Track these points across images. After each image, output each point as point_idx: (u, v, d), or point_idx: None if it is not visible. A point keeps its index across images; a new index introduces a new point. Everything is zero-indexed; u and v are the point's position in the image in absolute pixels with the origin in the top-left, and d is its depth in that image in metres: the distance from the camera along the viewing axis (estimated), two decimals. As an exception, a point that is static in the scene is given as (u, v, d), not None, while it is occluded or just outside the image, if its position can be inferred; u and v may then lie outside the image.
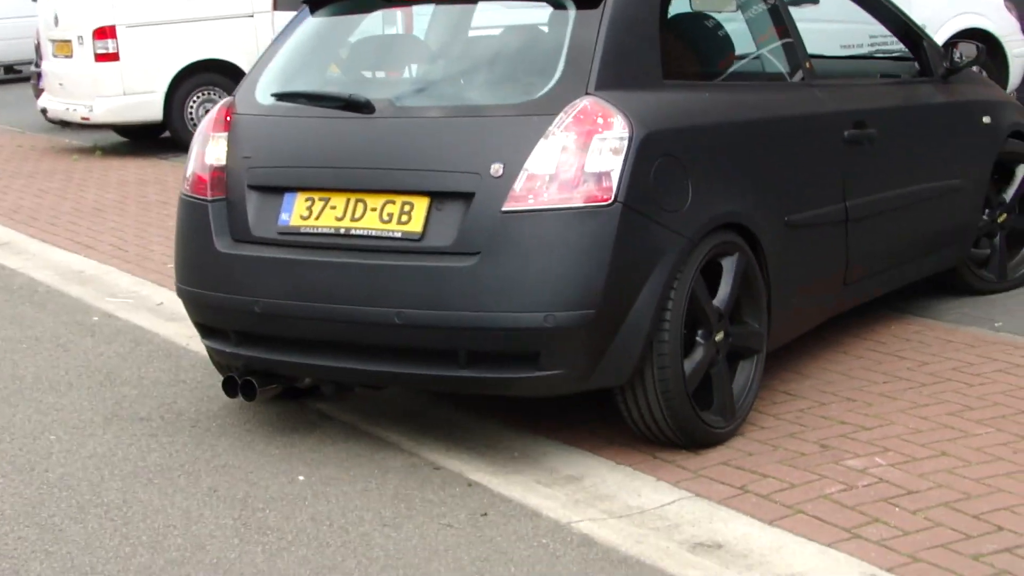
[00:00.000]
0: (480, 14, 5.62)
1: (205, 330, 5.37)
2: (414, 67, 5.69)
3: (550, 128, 4.70)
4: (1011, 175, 7.14)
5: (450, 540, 4.38)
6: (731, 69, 5.83)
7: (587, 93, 4.77)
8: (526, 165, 4.68)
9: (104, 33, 13.37)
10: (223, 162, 5.29)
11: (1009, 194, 7.08)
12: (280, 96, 5.36)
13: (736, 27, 6.01)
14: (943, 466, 4.78)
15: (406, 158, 4.92)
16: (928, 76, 6.69)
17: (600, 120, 4.71)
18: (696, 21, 6.02)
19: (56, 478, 4.96)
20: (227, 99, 5.56)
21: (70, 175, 12.59)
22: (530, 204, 4.65)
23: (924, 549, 4.15)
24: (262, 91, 5.45)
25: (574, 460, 4.99)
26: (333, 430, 5.41)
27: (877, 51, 7.43)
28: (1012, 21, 12.63)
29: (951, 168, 6.66)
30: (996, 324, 6.53)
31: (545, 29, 5.31)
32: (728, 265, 5.05)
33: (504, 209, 4.66)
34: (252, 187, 5.19)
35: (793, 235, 5.49)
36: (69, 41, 13.71)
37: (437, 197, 4.82)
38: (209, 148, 5.36)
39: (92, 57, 13.35)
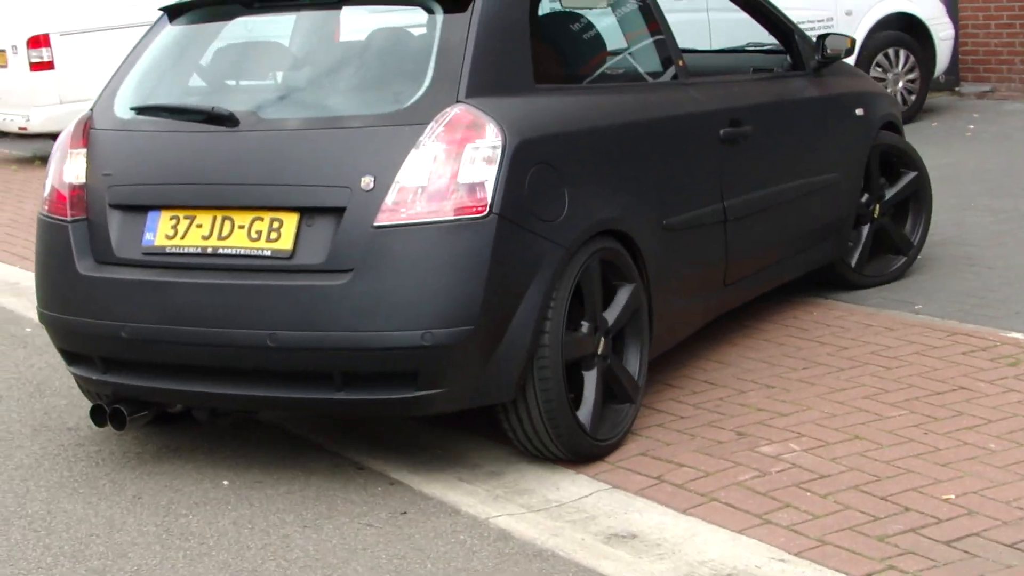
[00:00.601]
0: (346, 20, 5.47)
1: (70, 357, 5.17)
2: (279, 76, 5.47)
3: (421, 138, 4.57)
4: (888, 167, 7.07)
5: (369, 539, 4.44)
6: (603, 70, 5.72)
7: (458, 100, 4.65)
8: (397, 177, 4.55)
9: (38, 42, 13.33)
10: (83, 180, 5.10)
11: (888, 193, 7.06)
12: (140, 110, 5.16)
13: (606, 25, 5.91)
14: (855, 449, 4.87)
15: (273, 172, 4.75)
16: (800, 69, 6.65)
17: (472, 128, 4.58)
18: (566, 21, 5.83)
19: (-19, 491, 5.00)
20: (85, 113, 5.33)
21: (8, 186, 12.56)
22: (402, 218, 4.52)
23: (832, 532, 4.24)
24: (121, 104, 5.25)
25: (496, 455, 5.06)
26: (259, 433, 5.46)
27: (748, 44, 7.32)
28: (938, 4, 12.75)
29: (827, 162, 6.62)
30: (916, 307, 6.64)
31: (413, 34, 5.17)
32: (587, 280, 4.87)
33: (376, 224, 4.53)
34: (114, 206, 5.00)
35: (672, 238, 5.41)
36: (3, 51, 13.65)
37: (307, 213, 4.67)
38: (68, 165, 5.16)
39: (27, 66, 13.30)
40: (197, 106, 5.03)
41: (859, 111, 6.85)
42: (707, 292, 5.79)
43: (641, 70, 5.80)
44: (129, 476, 5.07)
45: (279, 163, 4.75)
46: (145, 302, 4.81)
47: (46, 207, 5.20)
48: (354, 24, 5.47)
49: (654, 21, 5.76)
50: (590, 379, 4.89)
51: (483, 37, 4.79)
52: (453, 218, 4.51)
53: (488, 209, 4.53)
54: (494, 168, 4.56)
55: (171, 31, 5.45)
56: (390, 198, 4.54)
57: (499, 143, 4.59)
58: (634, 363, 5.14)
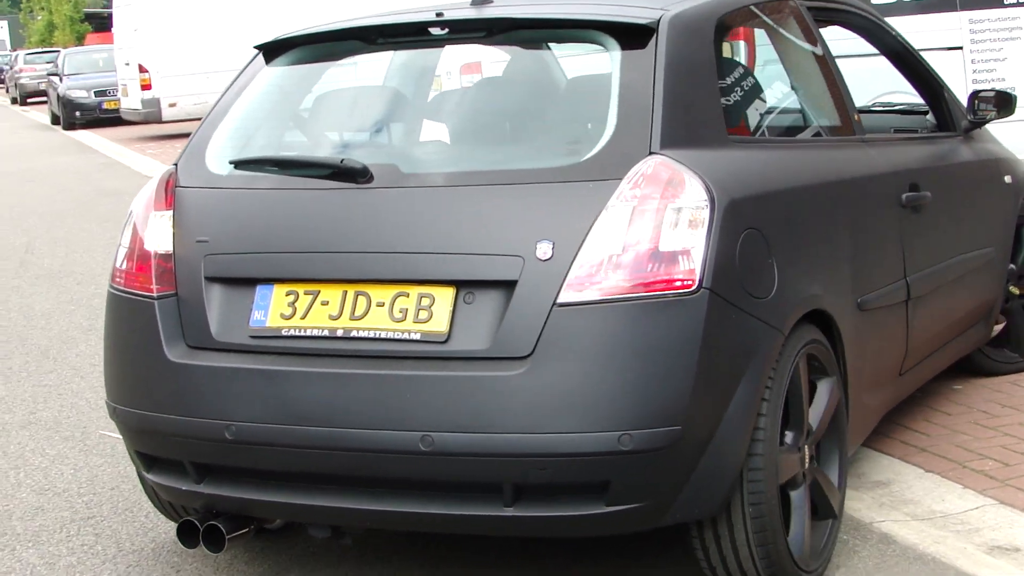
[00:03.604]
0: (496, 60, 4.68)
1: (150, 462, 4.26)
2: (416, 125, 4.71)
3: (612, 197, 3.76)
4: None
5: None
6: (787, 123, 4.95)
7: (651, 152, 3.84)
8: (584, 244, 3.72)
9: (470, 68, 14.10)
10: (169, 248, 4.22)
11: None
12: (241, 164, 4.30)
13: (781, 74, 5.13)
14: None
15: (421, 238, 3.88)
16: (948, 130, 5.86)
17: (673, 186, 3.79)
18: (742, 68, 4.87)
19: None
20: (167, 169, 4.47)
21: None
22: (592, 294, 3.70)
23: None
24: (215, 158, 4.38)
25: (884, 466, 5.17)
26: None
27: (874, 103, 6.31)
28: None
29: (985, 235, 5.91)
30: None
31: (582, 73, 4.50)
32: (797, 376, 4.12)
33: (560, 301, 3.70)
34: (212, 279, 4.13)
35: (864, 319, 4.65)
36: (439, 76, 14.50)
37: (465, 287, 3.82)
38: (150, 231, 4.28)
39: (459, 91, 14.05)
40: (321, 159, 4.26)
41: (1008, 178, 6.13)
42: (886, 383, 5.03)
43: (823, 124, 5.03)
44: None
45: (428, 226, 3.90)
46: (256, 396, 3.92)
47: (120, 280, 4.32)
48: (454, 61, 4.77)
49: (829, 71, 5.04)
50: (798, 500, 4.15)
51: (672, 78, 3.99)
52: (656, 293, 3.70)
53: (698, 283, 3.72)
54: (701, 233, 3.76)
55: (268, 73, 4.61)
56: (576, 269, 3.71)
57: (706, 203, 3.80)
58: (834, 469, 4.42)
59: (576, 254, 3.72)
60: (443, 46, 4.74)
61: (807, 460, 4.18)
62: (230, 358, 4.01)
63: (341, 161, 4.07)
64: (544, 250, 3.75)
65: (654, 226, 3.74)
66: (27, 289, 10.25)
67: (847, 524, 4.65)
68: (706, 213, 3.78)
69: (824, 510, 4.33)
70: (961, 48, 10.35)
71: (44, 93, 40.52)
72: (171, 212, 4.28)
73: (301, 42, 4.60)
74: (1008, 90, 6.06)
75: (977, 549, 4.40)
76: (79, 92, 31.93)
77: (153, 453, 4.23)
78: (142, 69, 25.50)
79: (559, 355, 3.67)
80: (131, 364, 4.24)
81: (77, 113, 31.80)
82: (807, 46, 5.05)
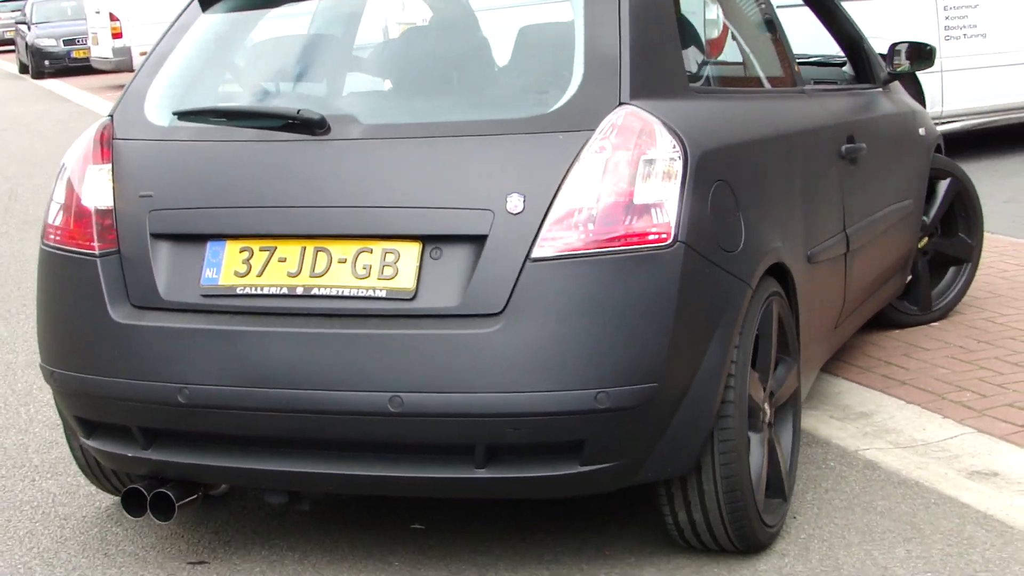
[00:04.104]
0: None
1: (91, 427, 4.06)
2: (373, 74, 4.55)
3: (583, 149, 3.67)
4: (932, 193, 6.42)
5: (746, 461, 4.85)
6: (736, 74, 4.92)
7: (621, 103, 3.75)
8: (557, 197, 3.62)
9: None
10: (110, 203, 4.03)
11: (930, 215, 6.41)
12: (188, 114, 4.08)
13: (725, 25, 5.03)
14: None
15: (384, 191, 3.77)
16: (868, 83, 5.85)
17: (644, 137, 3.70)
18: (692, 18, 4.78)
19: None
20: (101, 121, 4.25)
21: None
22: (565, 248, 3.60)
23: None
24: (155, 109, 4.18)
25: (866, 398, 5.40)
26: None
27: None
28: None
29: (905, 187, 5.93)
30: None
31: (540, 20, 4.42)
32: (764, 326, 4.11)
33: (534, 256, 3.60)
34: (158, 235, 3.94)
35: (812, 272, 4.63)
36: (415, 24, 14.62)
37: (432, 242, 3.70)
38: (87, 185, 4.07)
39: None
40: (275, 109, 4.11)
41: (921, 131, 6.17)
42: (825, 336, 5.03)
43: (770, 76, 5.01)
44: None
45: (391, 179, 3.78)
46: (211, 357, 3.77)
47: (55, 237, 4.11)
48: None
49: (771, 20, 5.06)
50: (756, 443, 4.04)
51: (637, 27, 3.90)
52: (631, 247, 3.62)
53: (673, 236, 3.65)
54: (674, 185, 3.69)
55: (205, 21, 4.41)
56: (548, 223, 3.62)
57: (678, 155, 3.72)
58: (787, 444, 4.34)
59: (548, 207, 3.62)
60: None
61: (769, 412, 4.16)
62: (181, 318, 3.85)
63: (297, 112, 3.88)
64: (515, 203, 3.64)
65: (627, 178, 3.65)
66: (15, 235, 10.38)
67: (834, 452, 4.89)
68: (679, 165, 3.71)
69: (774, 488, 4.21)
70: (934, -5, 10.56)
71: (11, 42, 40.32)
72: (109, 166, 4.08)
73: None
74: (925, 42, 6.08)
75: (958, 474, 4.63)
76: (48, 41, 31.83)
77: (95, 418, 4.04)
78: (113, 17, 25.45)
79: (532, 312, 3.58)
80: (71, 325, 4.04)
81: (46, 62, 31.72)
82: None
